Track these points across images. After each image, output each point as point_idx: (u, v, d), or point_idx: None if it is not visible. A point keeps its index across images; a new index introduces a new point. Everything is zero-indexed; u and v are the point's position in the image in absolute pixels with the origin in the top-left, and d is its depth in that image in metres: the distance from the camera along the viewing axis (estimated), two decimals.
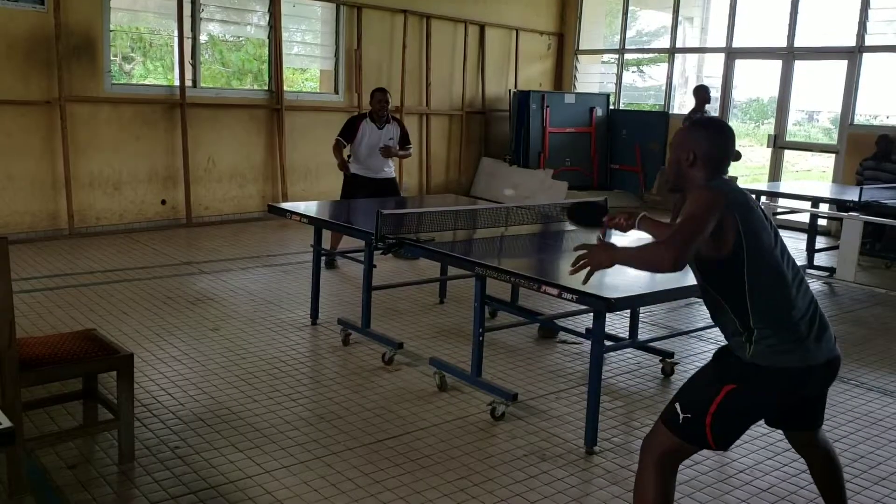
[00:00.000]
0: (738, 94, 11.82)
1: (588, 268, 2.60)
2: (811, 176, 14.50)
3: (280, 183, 9.33)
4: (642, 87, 13.55)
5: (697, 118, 2.60)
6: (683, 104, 13.45)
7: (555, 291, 3.42)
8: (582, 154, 11.72)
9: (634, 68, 13.79)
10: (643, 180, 11.53)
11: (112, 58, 8.48)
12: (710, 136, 2.55)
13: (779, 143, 10.39)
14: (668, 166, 2.67)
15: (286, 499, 3.09)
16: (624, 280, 3.73)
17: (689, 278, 3.85)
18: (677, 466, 2.57)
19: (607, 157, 11.93)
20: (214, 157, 8.84)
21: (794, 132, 13.57)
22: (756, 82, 12.08)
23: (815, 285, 7.13)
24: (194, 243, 7.87)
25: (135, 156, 8.25)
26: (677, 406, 2.50)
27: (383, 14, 10.13)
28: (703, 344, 5.24)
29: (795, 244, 8.97)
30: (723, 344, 2.62)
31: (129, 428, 3.27)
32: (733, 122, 14.67)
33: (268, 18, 9.17)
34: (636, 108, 12.78)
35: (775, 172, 10.47)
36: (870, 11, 9.54)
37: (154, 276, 6.45)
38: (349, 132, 6.96)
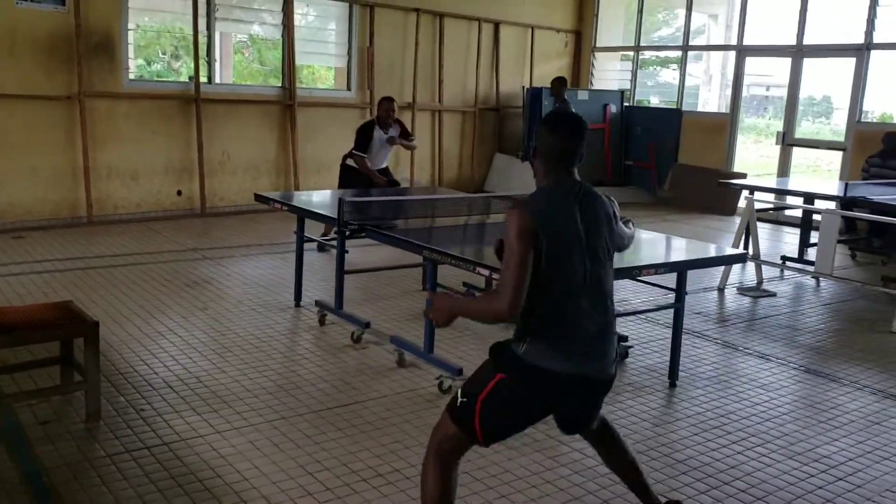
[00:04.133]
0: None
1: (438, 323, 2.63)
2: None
3: (293, 176, 9.70)
4: (675, 84, 13.57)
5: (550, 111, 2.73)
6: (707, 101, 13.53)
7: (486, 272, 3.68)
8: (595, 150, 11.86)
9: (674, 65, 13.82)
10: (655, 177, 11.65)
11: (162, 55, 8.92)
12: (547, 130, 2.61)
13: (787, 141, 10.43)
14: None
15: (229, 455, 3.41)
16: None
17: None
18: (456, 460, 2.61)
19: (621, 154, 12.07)
20: (229, 150, 9.24)
21: (840, 131, 13.36)
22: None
23: (801, 279, 7.24)
24: (205, 232, 8.27)
25: (152, 149, 8.68)
26: (459, 392, 2.58)
27: (396, 12, 10.42)
28: (658, 329, 5.41)
29: (791, 238, 9.06)
30: (502, 339, 2.66)
31: (95, 389, 3.61)
32: (778, 122, 14.58)
33: (281, 18, 9.54)
34: (651, 106, 12.86)
35: (784, 169, 10.51)
36: (878, 9, 9.54)
37: (159, 260, 6.84)
38: (367, 143, 7.26)
